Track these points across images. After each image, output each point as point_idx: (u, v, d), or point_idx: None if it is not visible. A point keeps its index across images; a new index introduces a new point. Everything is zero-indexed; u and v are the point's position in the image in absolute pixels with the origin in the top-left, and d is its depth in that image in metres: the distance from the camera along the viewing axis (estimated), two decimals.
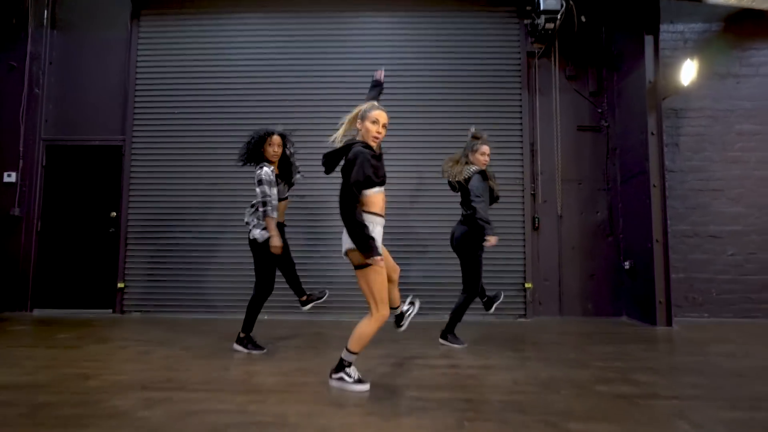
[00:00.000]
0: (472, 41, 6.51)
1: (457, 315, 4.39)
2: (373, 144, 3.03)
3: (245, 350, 4.05)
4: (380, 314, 2.89)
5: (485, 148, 4.47)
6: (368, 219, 2.92)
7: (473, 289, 4.35)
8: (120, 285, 6.22)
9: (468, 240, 4.35)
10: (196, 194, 6.37)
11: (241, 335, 4.11)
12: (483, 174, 4.37)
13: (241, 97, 6.50)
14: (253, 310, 4.10)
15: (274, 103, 6.47)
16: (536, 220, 6.32)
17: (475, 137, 4.55)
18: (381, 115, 3.03)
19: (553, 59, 6.44)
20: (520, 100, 6.43)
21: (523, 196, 6.29)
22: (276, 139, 4.15)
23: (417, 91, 6.44)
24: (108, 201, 6.48)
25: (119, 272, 6.28)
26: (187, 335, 4.81)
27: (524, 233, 6.25)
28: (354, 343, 2.91)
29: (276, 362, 3.69)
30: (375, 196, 2.99)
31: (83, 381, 3.09)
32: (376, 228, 2.96)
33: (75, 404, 2.64)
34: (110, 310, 6.29)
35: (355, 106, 3.19)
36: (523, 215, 6.27)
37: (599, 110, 6.48)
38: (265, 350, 4.08)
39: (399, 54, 6.51)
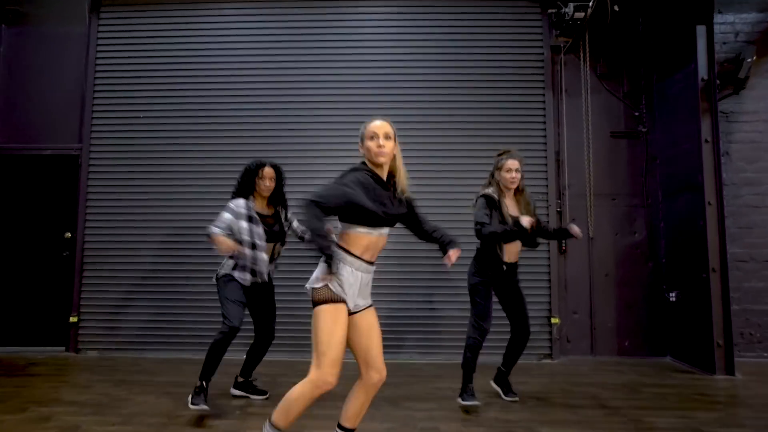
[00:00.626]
0: (486, 34, 5.57)
1: (466, 363, 3.60)
2: (380, 165, 2.33)
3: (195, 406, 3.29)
4: (317, 375, 2.13)
5: (510, 163, 3.58)
6: (346, 260, 2.24)
7: (481, 325, 3.56)
8: (72, 319, 5.27)
9: (471, 276, 3.70)
10: (166, 213, 5.42)
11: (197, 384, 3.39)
12: (489, 199, 3.54)
13: (219, 101, 5.55)
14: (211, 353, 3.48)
15: (258, 108, 5.53)
16: (563, 242, 5.38)
17: (504, 153, 3.69)
18: (379, 127, 2.32)
19: (581, 55, 5.50)
20: (544, 102, 5.48)
21: (547, 214, 5.33)
22: (268, 171, 3.64)
23: (423, 93, 5.50)
24: (62, 219, 5.53)
25: (74, 303, 5.33)
26: (141, 390, 3.87)
27: (549, 258, 5.30)
28: (279, 413, 2.16)
29: None
30: (365, 237, 2.25)
31: None
32: (358, 275, 2.27)
33: None
34: (63, 348, 5.35)
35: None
36: None
37: (636, 114, 5.53)
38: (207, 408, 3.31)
39: (402, 49, 5.57)
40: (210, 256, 5.26)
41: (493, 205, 3.52)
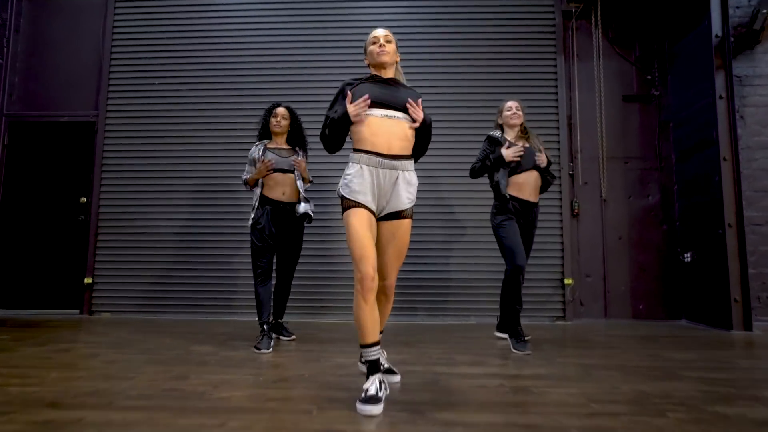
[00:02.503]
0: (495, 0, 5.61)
1: (504, 300, 3.66)
2: (381, 69, 2.45)
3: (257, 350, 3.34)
4: (357, 276, 2.13)
5: (509, 104, 3.72)
6: (352, 159, 2.32)
7: (509, 261, 3.49)
8: (87, 280, 5.31)
9: (492, 218, 3.69)
10: (180, 178, 5.47)
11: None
12: (490, 138, 3.68)
13: (233, 68, 5.60)
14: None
15: (271, 75, 5.57)
16: (575, 205, 5.36)
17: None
18: (376, 33, 2.46)
19: (593, 20, 5.51)
20: (555, 66, 5.48)
21: (560, 177, 5.33)
22: (280, 110, 3.82)
23: (433, 59, 5.52)
24: (78, 185, 5.60)
25: (88, 266, 5.37)
26: (157, 336, 3.88)
27: (562, 221, 5.28)
28: (360, 336, 2.17)
29: (253, 370, 2.74)
30: (365, 120, 2.30)
31: None
32: (371, 171, 2.27)
33: None
34: (77, 311, 5.39)
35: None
36: (561, 200, 5.30)
37: (648, 77, 5.53)
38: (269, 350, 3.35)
39: (411, 15, 5.61)
40: (221, 219, 5.32)
41: (495, 142, 3.63)
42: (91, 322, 4.79)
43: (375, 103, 2.27)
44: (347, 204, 2.24)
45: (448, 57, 5.51)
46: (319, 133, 2.45)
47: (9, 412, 1.90)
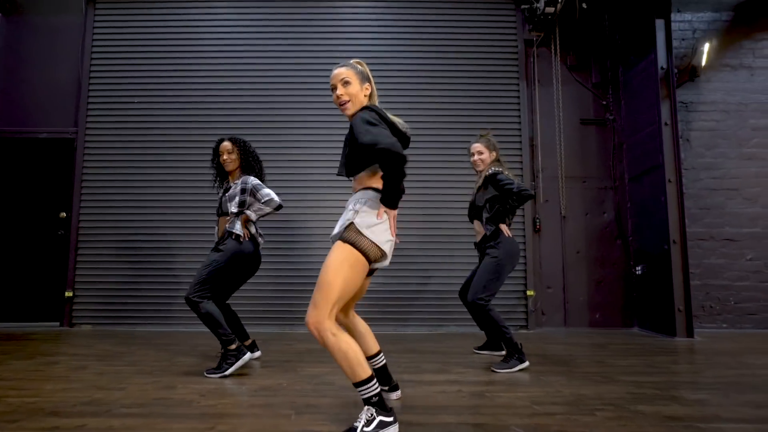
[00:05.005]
0: (463, 29, 5.97)
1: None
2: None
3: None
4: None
5: (471, 147, 3.72)
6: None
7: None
8: (68, 294, 5.45)
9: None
10: (157, 193, 5.67)
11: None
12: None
13: (210, 86, 5.85)
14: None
15: (247, 95, 5.83)
16: (537, 221, 5.73)
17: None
18: (334, 76, 2.18)
19: (553, 48, 5.92)
20: (518, 92, 5.88)
21: None
22: (224, 146, 3.58)
23: (402, 85, 5.86)
24: (57, 200, 5.75)
25: (68, 280, 5.51)
26: (141, 348, 4.08)
27: (524, 236, 5.64)
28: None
29: (236, 380, 2.98)
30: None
31: None
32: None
33: None
34: (57, 323, 5.52)
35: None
36: (523, 216, 5.66)
37: (604, 102, 5.95)
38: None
39: (381, 43, 5.95)
40: (200, 233, 5.53)
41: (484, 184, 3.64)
42: (73, 335, 4.93)
43: None
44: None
45: (415, 84, 5.84)
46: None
47: (16, 420, 2.11)
